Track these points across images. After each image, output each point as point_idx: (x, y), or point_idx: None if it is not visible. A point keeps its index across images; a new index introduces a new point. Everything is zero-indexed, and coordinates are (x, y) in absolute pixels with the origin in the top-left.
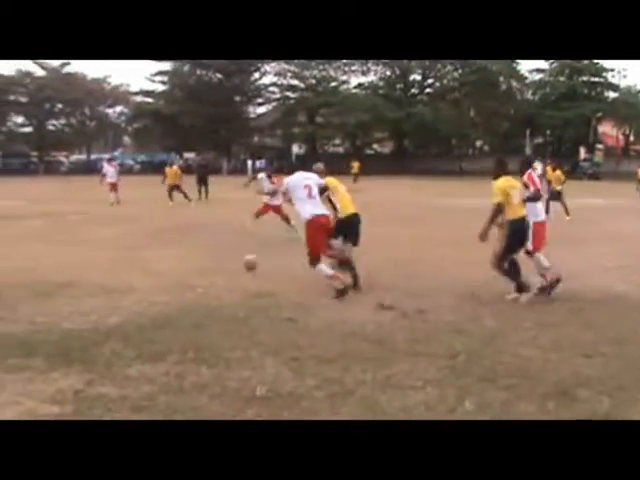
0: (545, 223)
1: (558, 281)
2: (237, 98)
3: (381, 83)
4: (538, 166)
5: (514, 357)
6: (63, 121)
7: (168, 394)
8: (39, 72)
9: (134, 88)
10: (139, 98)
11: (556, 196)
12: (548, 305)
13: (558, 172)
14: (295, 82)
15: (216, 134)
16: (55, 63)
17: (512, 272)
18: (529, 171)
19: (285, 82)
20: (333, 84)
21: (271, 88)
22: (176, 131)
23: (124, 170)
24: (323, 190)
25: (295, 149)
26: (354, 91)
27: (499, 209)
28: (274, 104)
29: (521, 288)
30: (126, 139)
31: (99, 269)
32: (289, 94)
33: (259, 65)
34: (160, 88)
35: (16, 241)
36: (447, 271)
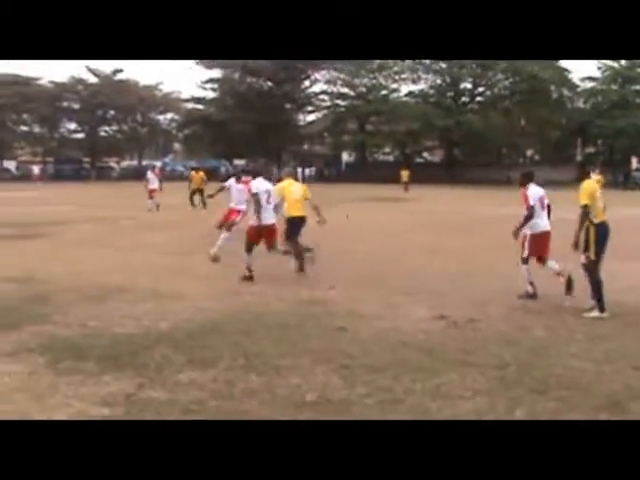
0: (545, 234)
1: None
2: (287, 106)
3: (431, 91)
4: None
5: (565, 369)
6: (115, 127)
7: (218, 399)
8: (92, 79)
9: (185, 95)
10: (190, 105)
11: None
12: (600, 318)
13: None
14: (345, 90)
15: (266, 141)
16: (107, 70)
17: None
18: (526, 188)
19: (335, 90)
20: (383, 92)
21: (321, 96)
22: (226, 138)
23: (174, 176)
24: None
25: (345, 157)
26: (404, 99)
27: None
28: (324, 112)
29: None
30: (177, 145)
31: (149, 274)
32: (339, 102)
33: (309, 73)
34: (211, 95)
35: (68, 246)
36: (498, 281)
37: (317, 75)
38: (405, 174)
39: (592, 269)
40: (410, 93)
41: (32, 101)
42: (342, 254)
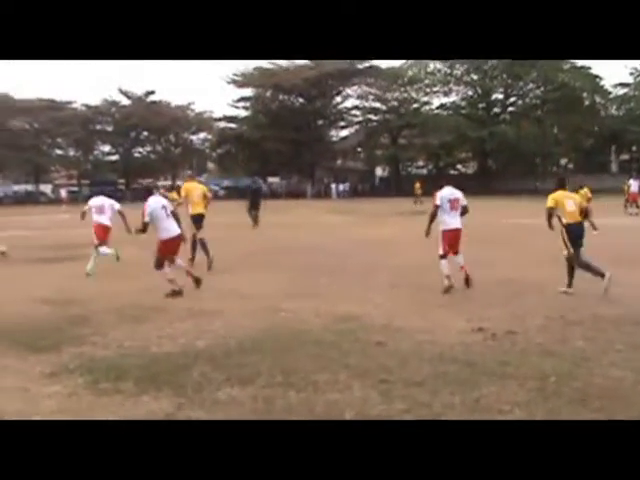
0: (453, 231)
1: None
2: (319, 122)
3: (463, 103)
4: (634, 183)
5: (605, 379)
6: (148, 148)
7: (257, 417)
8: (124, 101)
9: (218, 114)
10: (222, 124)
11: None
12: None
13: (585, 190)
14: (377, 104)
15: (299, 158)
16: (139, 92)
17: (572, 269)
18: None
19: (367, 105)
20: (415, 105)
21: (353, 111)
22: (259, 156)
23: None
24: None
25: (379, 171)
26: (436, 112)
27: (550, 212)
28: (357, 127)
29: (570, 284)
30: (210, 165)
31: (187, 293)
32: (371, 117)
33: (340, 89)
34: (243, 114)
35: (106, 266)
36: (535, 293)
37: (349, 90)
38: (417, 187)
39: (571, 260)
40: (442, 106)
41: (66, 125)
42: (377, 268)
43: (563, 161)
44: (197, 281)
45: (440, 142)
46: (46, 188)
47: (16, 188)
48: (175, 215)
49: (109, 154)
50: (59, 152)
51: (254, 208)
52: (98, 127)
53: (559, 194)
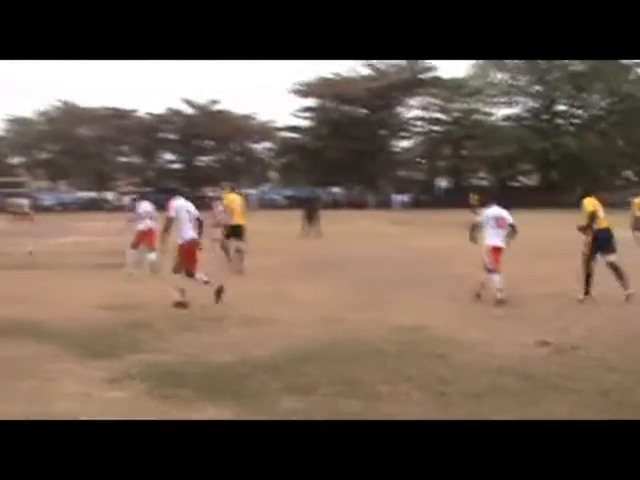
0: (497, 248)
1: None
2: (382, 132)
3: (526, 114)
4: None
5: None
6: (211, 157)
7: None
8: (188, 110)
9: (280, 124)
10: (285, 134)
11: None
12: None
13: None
14: (440, 115)
15: (361, 168)
16: (203, 101)
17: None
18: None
19: (430, 115)
20: (477, 116)
21: (416, 122)
22: (322, 166)
23: (271, 204)
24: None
25: (440, 182)
26: (499, 123)
27: (591, 217)
28: (419, 138)
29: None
30: (273, 174)
31: (247, 301)
32: (434, 127)
33: (403, 99)
34: (306, 124)
35: (164, 273)
36: (600, 308)
37: (411, 101)
38: (473, 198)
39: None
40: (505, 117)
41: (130, 133)
42: (437, 278)
43: (627, 173)
44: (218, 292)
45: (502, 154)
46: (109, 195)
47: (81, 195)
48: (199, 222)
49: (172, 162)
50: (123, 160)
51: (310, 218)
52: (162, 135)
53: (593, 200)
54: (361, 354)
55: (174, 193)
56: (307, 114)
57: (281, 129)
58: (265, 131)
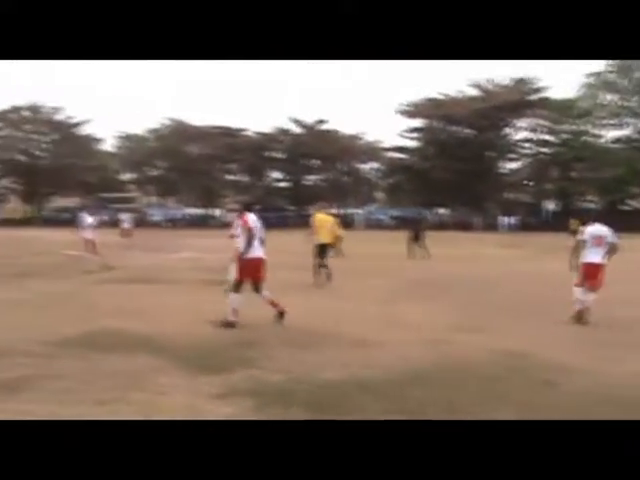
0: (591, 265)
1: None
2: (489, 153)
3: (637, 136)
4: None
5: None
6: (318, 176)
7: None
8: (296, 129)
9: (387, 144)
10: (392, 154)
11: None
12: None
13: None
14: (548, 137)
15: (468, 190)
16: (310, 120)
17: None
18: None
19: (538, 137)
20: (586, 138)
21: (523, 143)
22: (428, 187)
23: (377, 225)
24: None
25: (548, 205)
26: (608, 145)
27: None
28: (526, 159)
29: None
30: (379, 194)
31: (354, 321)
32: (541, 149)
33: (510, 120)
34: (413, 144)
35: (275, 291)
36: None
37: (519, 122)
38: (573, 223)
39: None
40: (615, 139)
41: (239, 151)
42: (546, 302)
43: None
44: (281, 314)
45: (611, 176)
46: (217, 212)
47: (189, 211)
48: (262, 242)
49: (280, 181)
50: (231, 177)
51: (417, 239)
52: (269, 154)
53: None
54: (468, 378)
55: (248, 208)
56: (414, 134)
57: (388, 149)
58: (372, 151)
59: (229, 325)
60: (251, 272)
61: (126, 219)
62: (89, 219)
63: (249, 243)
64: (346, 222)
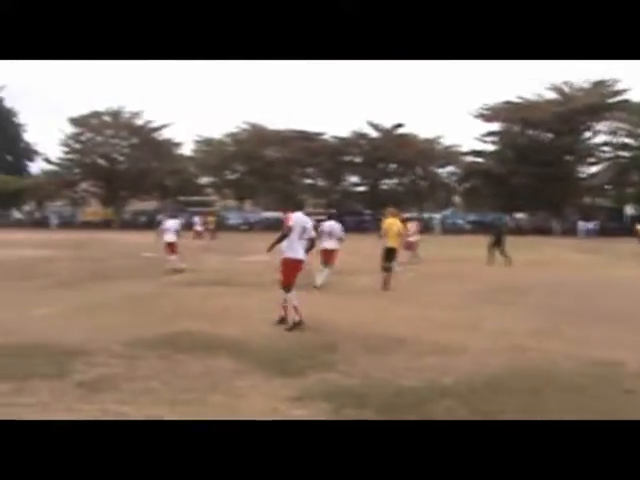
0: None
1: None
2: (568, 158)
3: None
4: None
5: None
6: (395, 180)
7: None
8: (373, 133)
9: (465, 148)
10: (470, 158)
11: None
12: None
13: None
14: (628, 140)
15: (546, 194)
16: (388, 124)
17: None
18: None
19: (617, 141)
20: None
21: (603, 147)
22: (506, 191)
23: (455, 229)
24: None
25: (628, 210)
26: None
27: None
28: (606, 163)
29: None
30: (456, 198)
31: (433, 327)
32: (622, 153)
33: (590, 124)
34: (490, 148)
35: (352, 296)
36: None
37: (598, 126)
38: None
39: None
40: None
41: (316, 156)
42: (628, 310)
43: None
44: (298, 323)
45: None
46: None
47: (266, 215)
48: (312, 242)
49: (357, 185)
50: (308, 181)
51: (497, 244)
52: (347, 158)
53: None
54: (548, 386)
55: (298, 207)
56: (492, 138)
57: (465, 153)
58: (449, 155)
59: (297, 325)
60: (288, 272)
61: (197, 222)
62: (171, 222)
63: (288, 243)
64: (425, 226)
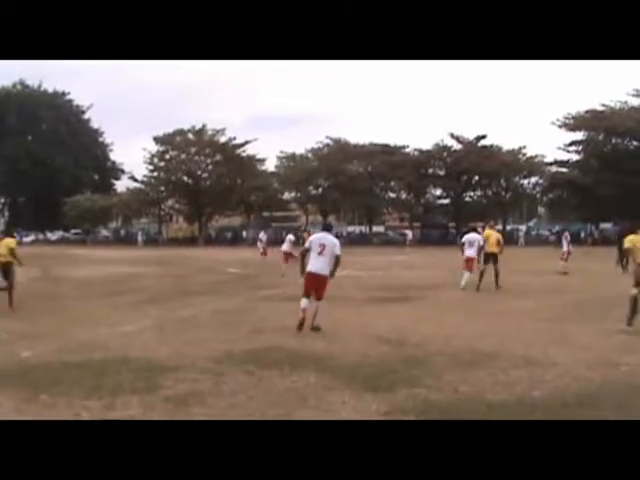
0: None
1: None
2: None
3: None
4: None
5: None
6: (479, 193)
7: None
8: (456, 146)
9: (549, 158)
10: (554, 168)
11: None
12: None
13: None
14: None
15: (634, 204)
16: (471, 136)
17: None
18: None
19: None
20: None
21: None
22: (591, 201)
23: (539, 240)
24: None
25: None
26: None
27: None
28: None
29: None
30: (540, 209)
31: (521, 340)
32: None
33: None
34: (574, 158)
35: (436, 310)
36: None
37: None
38: None
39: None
40: None
41: (399, 169)
42: None
43: None
44: (314, 329)
45: None
46: (378, 229)
47: (350, 229)
48: (337, 260)
49: (440, 198)
50: (391, 195)
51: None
52: (430, 171)
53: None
54: (638, 401)
55: (328, 229)
56: (576, 148)
57: (549, 164)
58: (533, 166)
59: (300, 326)
60: (308, 284)
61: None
62: (264, 236)
63: (310, 260)
64: (509, 238)
